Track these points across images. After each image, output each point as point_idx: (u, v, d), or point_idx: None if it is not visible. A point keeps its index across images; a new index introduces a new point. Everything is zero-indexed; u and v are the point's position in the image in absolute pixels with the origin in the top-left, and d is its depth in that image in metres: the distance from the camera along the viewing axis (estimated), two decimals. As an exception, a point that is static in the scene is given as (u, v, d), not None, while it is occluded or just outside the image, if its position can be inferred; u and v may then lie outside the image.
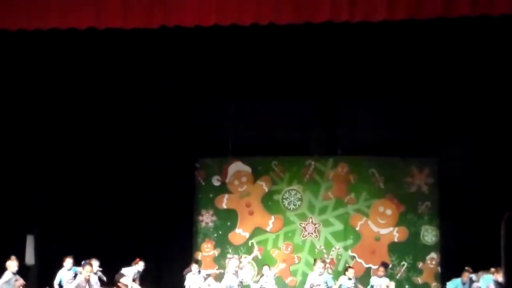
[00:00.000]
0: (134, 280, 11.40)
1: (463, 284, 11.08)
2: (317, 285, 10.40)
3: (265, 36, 10.47)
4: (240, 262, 10.99)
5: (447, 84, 12.37)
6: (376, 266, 12.03)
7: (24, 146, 12.27)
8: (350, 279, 11.29)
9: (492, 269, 10.27)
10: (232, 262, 10.54)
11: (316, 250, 12.63)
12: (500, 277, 10.13)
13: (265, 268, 11.95)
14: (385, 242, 13.35)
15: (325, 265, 10.86)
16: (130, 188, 13.24)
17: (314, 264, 11.21)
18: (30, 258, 12.24)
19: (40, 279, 11.79)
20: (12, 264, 10.20)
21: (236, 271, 10.26)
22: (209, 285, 11.49)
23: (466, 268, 11.20)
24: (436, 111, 13.12)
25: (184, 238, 13.30)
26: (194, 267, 11.51)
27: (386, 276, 11.96)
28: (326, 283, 10.63)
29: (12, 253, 10.76)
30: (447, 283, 11.43)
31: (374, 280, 11.86)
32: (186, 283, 11.47)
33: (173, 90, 13.04)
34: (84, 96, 12.66)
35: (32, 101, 12.15)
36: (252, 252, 12.54)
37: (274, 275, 12.07)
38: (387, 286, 11.57)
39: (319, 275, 10.69)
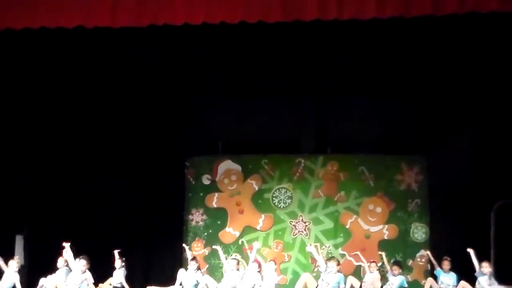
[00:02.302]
0: None
1: (444, 272, 11.25)
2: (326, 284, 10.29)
3: (254, 34, 10.47)
4: (238, 262, 11.09)
5: (437, 82, 12.42)
6: (368, 264, 12.04)
7: (12, 148, 12.21)
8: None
9: (483, 264, 10.36)
10: (231, 262, 10.60)
11: (308, 245, 12.58)
12: (486, 269, 10.21)
13: (271, 264, 11.75)
14: (375, 240, 13.38)
15: (338, 265, 10.68)
16: (120, 187, 13.20)
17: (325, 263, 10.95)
18: (19, 259, 12.18)
19: (30, 280, 11.74)
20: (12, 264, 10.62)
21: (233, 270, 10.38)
22: (206, 284, 11.48)
23: (444, 257, 11.36)
24: (426, 109, 13.17)
25: (174, 237, 13.26)
26: (191, 264, 11.50)
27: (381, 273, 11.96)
28: (338, 283, 10.54)
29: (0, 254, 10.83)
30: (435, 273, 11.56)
31: (366, 276, 11.87)
32: (178, 280, 11.45)
33: (162, 89, 13.04)
34: (73, 95, 12.62)
35: (20, 100, 12.08)
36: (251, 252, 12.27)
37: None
38: (372, 283, 11.55)
39: (333, 273, 10.45)
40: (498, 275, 10.57)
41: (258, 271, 11.05)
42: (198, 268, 11.55)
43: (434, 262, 11.68)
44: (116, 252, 11.50)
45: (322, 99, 13.62)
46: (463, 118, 12.82)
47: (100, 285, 11.44)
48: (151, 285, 12.01)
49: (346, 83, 12.73)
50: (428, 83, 12.56)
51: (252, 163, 13.91)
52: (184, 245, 12.56)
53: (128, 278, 11.50)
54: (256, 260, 11.27)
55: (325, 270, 10.44)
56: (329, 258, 10.92)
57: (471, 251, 10.41)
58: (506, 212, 11.93)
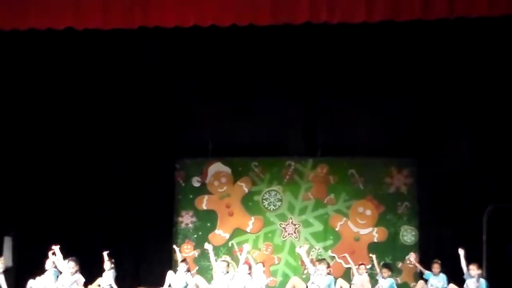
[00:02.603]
0: None
1: (434, 275, 11.32)
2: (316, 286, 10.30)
3: (245, 37, 10.50)
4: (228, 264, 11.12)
5: (426, 85, 12.49)
6: (356, 266, 12.06)
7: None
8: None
9: (471, 266, 10.40)
10: (220, 264, 10.69)
11: (298, 247, 12.60)
12: (473, 271, 10.24)
13: (259, 265, 11.78)
14: (364, 243, 13.41)
15: (328, 267, 10.70)
16: (109, 189, 13.18)
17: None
18: (8, 260, 12.14)
19: (18, 281, 11.71)
20: None
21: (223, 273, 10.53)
22: (196, 285, 11.49)
23: (434, 260, 11.41)
24: (415, 112, 13.22)
25: (164, 239, 13.25)
26: (181, 265, 11.50)
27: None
28: (329, 285, 10.55)
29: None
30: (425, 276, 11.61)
31: (355, 279, 11.89)
32: (167, 282, 11.45)
33: (152, 90, 13.03)
34: (63, 96, 12.60)
35: (9, 101, 12.04)
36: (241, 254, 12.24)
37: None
38: (362, 286, 11.59)
39: (324, 275, 10.44)
40: (490, 278, 10.63)
41: (249, 273, 11.07)
42: (188, 270, 11.57)
43: (419, 266, 11.77)
44: (105, 253, 11.48)
45: (312, 102, 13.65)
46: (453, 121, 12.89)
47: (89, 286, 11.41)
48: (140, 286, 12.00)
49: (336, 86, 12.77)
50: (417, 86, 12.63)
51: (242, 165, 13.92)
52: (174, 246, 12.56)
53: (117, 280, 11.49)
54: (246, 262, 11.29)
55: (315, 272, 10.45)
56: (319, 260, 10.93)
57: (461, 251, 10.45)
58: (497, 216, 12.00)
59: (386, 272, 11.58)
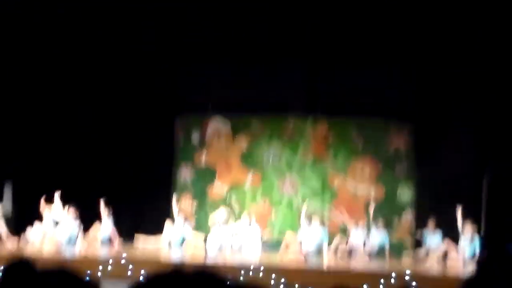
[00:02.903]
0: None
1: (431, 232, 11.60)
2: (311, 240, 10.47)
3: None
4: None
5: (428, 48, 12.43)
6: (353, 222, 12.18)
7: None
8: None
9: (466, 223, 10.54)
10: (219, 214, 10.74)
11: (294, 206, 12.73)
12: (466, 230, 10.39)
13: (244, 215, 12.00)
14: (362, 200, 13.51)
15: (322, 222, 10.85)
16: (109, 144, 13.24)
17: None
18: (7, 208, 12.27)
19: (18, 228, 11.84)
20: None
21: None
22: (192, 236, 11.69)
23: (430, 217, 11.72)
24: (416, 74, 13.20)
25: (163, 192, 13.33)
26: (179, 217, 11.63)
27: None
28: (322, 239, 10.71)
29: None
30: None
31: (352, 234, 12.03)
32: (165, 231, 11.62)
33: (154, 48, 12.99)
34: (67, 55, 12.58)
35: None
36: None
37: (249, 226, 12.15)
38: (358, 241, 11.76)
39: (316, 229, 10.63)
40: (488, 237, 10.76)
41: (248, 225, 11.29)
42: (186, 220, 11.70)
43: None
44: (102, 200, 11.59)
45: (314, 61, 13.61)
46: (452, 84, 12.87)
47: (90, 231, 11.56)
48: (139, 233, 12.14)
49: (339, 46, 12.73)
50: (420, 50, 12.58)
51: (242, 121, 13.96)
52: (173, 199, 12.63)
53: (117, 227, 11.63)
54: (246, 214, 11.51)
55: (309, 227, 10.61)
56: (311, 215, 11.08)
57: (459, 208, 10.57)
58: (497, 174, 12.07)
59: (380, 225, 11.75)
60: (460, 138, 12.77)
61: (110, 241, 11.64)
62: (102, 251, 11.22)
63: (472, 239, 10.76)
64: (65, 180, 11.75)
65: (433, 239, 11.48)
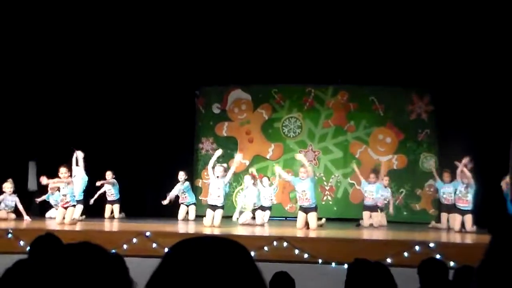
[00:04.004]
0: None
1: (445, 183, 11.76)
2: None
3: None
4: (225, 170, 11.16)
5: (450, 14, 12.25)
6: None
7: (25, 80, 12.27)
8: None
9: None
10: (217, 168, 10.88)
11: (298, 153, 12.72)
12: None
13: (265, 179, 12.03)
14: (384, 170, 13.41)
15: (306, 171, 10.89)
16: (130, 116, 13.27)
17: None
18: (32, 184, 12.38)
19: (42, 204, 11.96)
20: (6, 186, 11.05)
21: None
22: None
23: (445, 169, 11.88)
24: (437, 40, 13.00)
25: (184, 165, 13.35)
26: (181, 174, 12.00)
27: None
28: (310, 188, 10.82)
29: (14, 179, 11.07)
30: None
31: (365, 185, 12.02)
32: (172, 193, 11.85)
33: (173, 19, 12.92)
34: (93, 27, 12.56)
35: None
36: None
37: (274, 189, 12.16)
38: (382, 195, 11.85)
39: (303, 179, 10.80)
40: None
41: (253, 184, 11.36)
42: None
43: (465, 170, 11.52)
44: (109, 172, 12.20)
45: (333, 30, 13.45)
46: (474, 50, 12.66)
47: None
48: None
49: (358, 13, 12.57)
50: (440, 15, 12.38)
51: (262, 92, 13.90)
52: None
53: (138, 205, 11.73)
54: (252, 174, 11.76)
55: (302, 179, 10.73)
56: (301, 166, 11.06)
57: (466, 159, 10.67)
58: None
59: (373, 178, 11.83)
60: (483, 105, 12.59)
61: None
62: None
63: (467, 186, 10.91)
64: (88, 154, 11.80)
65: (448, 189, 11.67)
